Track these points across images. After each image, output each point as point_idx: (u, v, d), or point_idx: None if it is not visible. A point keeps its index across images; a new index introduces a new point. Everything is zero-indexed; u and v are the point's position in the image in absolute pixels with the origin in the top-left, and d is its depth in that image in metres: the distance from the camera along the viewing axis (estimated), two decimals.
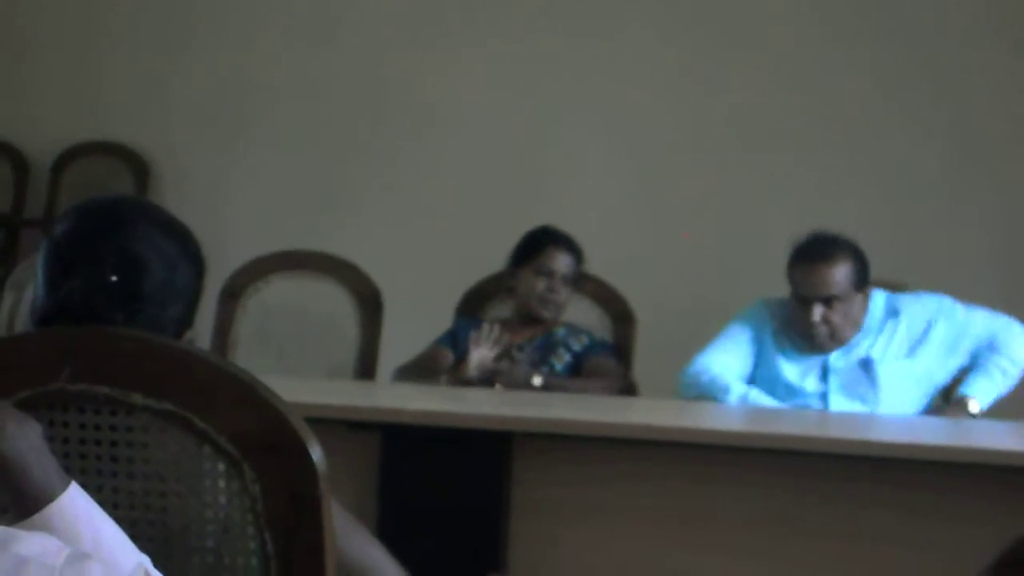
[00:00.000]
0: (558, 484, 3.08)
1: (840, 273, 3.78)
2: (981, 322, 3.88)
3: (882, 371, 3.82)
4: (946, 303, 3.91)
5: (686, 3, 5.33)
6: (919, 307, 3.92)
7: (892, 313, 3.90)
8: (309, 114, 5.66)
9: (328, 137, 5.57)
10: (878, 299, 3.90)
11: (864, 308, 3.85)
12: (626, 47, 5.33)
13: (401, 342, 4.23)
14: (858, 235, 3.92)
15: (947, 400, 3.85)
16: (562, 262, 4.17)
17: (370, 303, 4.28)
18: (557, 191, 5.25)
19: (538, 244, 4.21)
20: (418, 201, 5.41)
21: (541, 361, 4.07)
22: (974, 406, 3.76)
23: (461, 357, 4.06)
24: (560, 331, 4.15)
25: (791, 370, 3.87)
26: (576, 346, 4.12)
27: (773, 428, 3.34)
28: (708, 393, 3.80)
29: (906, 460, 2.98)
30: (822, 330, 3.80)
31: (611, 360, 4.12)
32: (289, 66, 5.68)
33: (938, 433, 3.42)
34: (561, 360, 4.09)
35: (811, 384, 3.85)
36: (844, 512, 2.98)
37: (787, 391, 3.85)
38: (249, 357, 4.23)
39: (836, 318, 3.79)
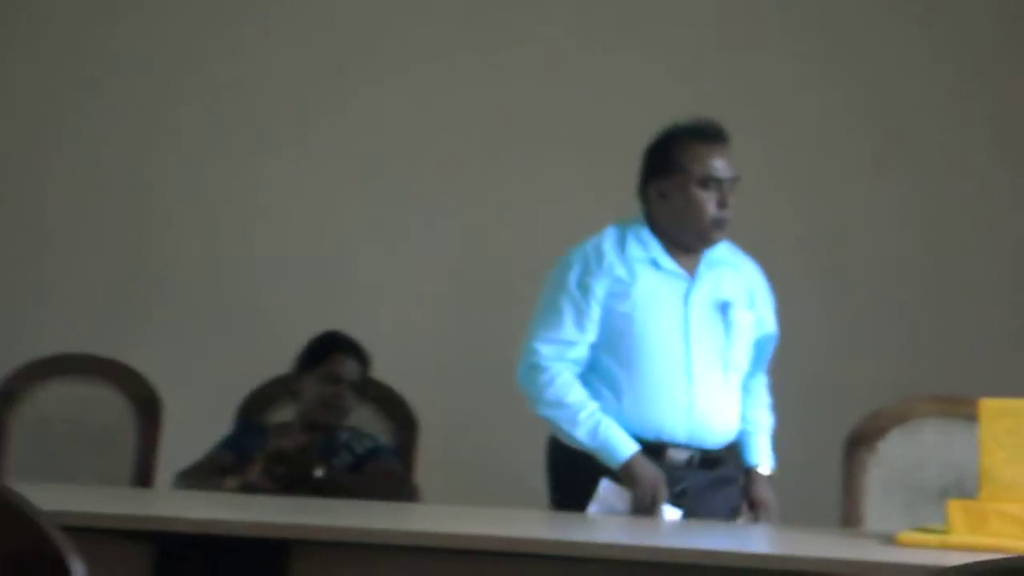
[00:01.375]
0: None
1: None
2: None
3: (735, 318, 3.63)
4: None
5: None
6: (748, 261, 3.74)
7: (729, 255, 3.68)
8: (92, 215, 5.55)
9: (112, 240, 5.47)
10: None
11: None
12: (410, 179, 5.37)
13: (181, 447, 4.16)
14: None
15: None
16: (348, 368, 4.16)
17: (148, 408, 4.21)
18: (345, 295, 5.23)
19: (324, 349, 4.20)
20: (199, 303, 5.33)
21: (323, 461, 4.03)
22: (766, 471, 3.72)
23: (244, 461, 4.01)
24: (343, 435, 4.13)
25: (657, 286, 3.59)
26: (359, 449, 4.10)
27: (566, 534, 3.31)
28: (557, 425, 3.59)
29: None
30: (727, 215, 3.55)
31: (394, 464, 4.10)
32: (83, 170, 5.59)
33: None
34: (343, 463, 4.07)
35: (674, 309, 3.58)
36: None
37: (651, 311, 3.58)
38: (24, 463, 4.12)
39: (732, 204, 3.55)
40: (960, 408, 3.69)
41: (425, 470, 4.20)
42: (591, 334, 3.59)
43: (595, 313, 3.58)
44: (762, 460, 3.71)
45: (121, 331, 5.20)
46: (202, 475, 4.02)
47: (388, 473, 4.06)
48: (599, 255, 3.59)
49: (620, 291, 3.57)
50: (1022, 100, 4.95)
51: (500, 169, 5.21)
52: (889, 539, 3.02)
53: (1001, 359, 4.81)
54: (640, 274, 3.59)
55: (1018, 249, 4.94)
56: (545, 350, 3.58)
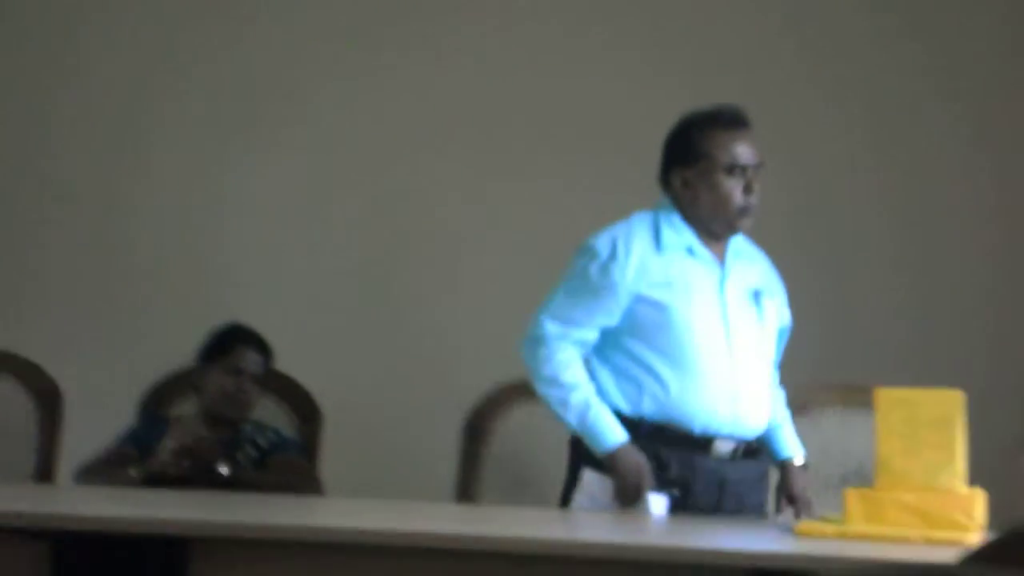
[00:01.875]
0: None
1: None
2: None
3: (765, 307, 3.56)
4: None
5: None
6: (760, 252, 3.66)
7: (745, 245, 3.61)
8: None
9: (8, 230, 5.39)
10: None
11: None
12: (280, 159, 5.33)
13: (84, 441, 4.11)
14: None
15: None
16: (251, 361, 4.13)
17: (48, 401, 4.16)
18: (246, 286, 5.19)
19: (227, 342, 4.16)
20: (99, 295, 5.27)
21: (227, 456, 4.01)
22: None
23: (146, 454, 3.98)
24: (247, 428, 4.10)
25: (695, 274, 3.50)
26: (263, 442, 4.08)
27: (471, 528, 3.30)
28: (548, 404, 3.49)
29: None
30: (753, 202, 3.48)
31: (298, 457, 4.09)
32: None
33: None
34: (247, 457, 4.04)
35: (712, 297, 3.49)
36: None
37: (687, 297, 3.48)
38: None
39: (757, 191, 3.48)
40: (859, 396, 3.70)
41: (330, 463, 4.18)
42: (604, 319, 3.47)
43: (615, 303, 3.46)
44: (795, 452, 3.60)
45: (19, 323, 5.12)
46: (104, 469, 3.98)
47: (292, 466, 4.04)
48: (627, 244, 3.47)
49: (655, 281, 3.47)
50: (1003, 100, 4.96)
51: (405, 158, 5.19)
52: (788, 530, 3.05)
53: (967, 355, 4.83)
54: (677, 262, 3.50)
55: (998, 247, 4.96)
56: (550, 326, 3.48)
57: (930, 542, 2.85)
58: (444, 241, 5.14)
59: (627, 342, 3.48)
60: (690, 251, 3.50)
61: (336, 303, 5.14)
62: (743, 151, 3.47)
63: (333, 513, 3.62)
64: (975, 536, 2.89)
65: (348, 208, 5.21)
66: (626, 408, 3.47)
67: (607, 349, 3.50)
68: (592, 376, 3.49)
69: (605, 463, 3.45)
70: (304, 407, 4.24)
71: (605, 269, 3.45)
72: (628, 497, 3.42)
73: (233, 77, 5.27)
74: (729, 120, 3.49)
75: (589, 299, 3.47)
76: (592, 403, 3.44)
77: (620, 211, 3.57)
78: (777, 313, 3.62)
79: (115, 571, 2.98)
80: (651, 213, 3.54)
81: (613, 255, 3.46)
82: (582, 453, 3.51)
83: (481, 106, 5.18)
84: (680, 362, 3.44)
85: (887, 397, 3.07)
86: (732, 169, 3.46)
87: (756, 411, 3.50)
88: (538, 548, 2.95)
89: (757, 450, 3.54)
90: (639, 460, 3.42)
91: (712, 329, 3.46)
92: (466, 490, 3.99)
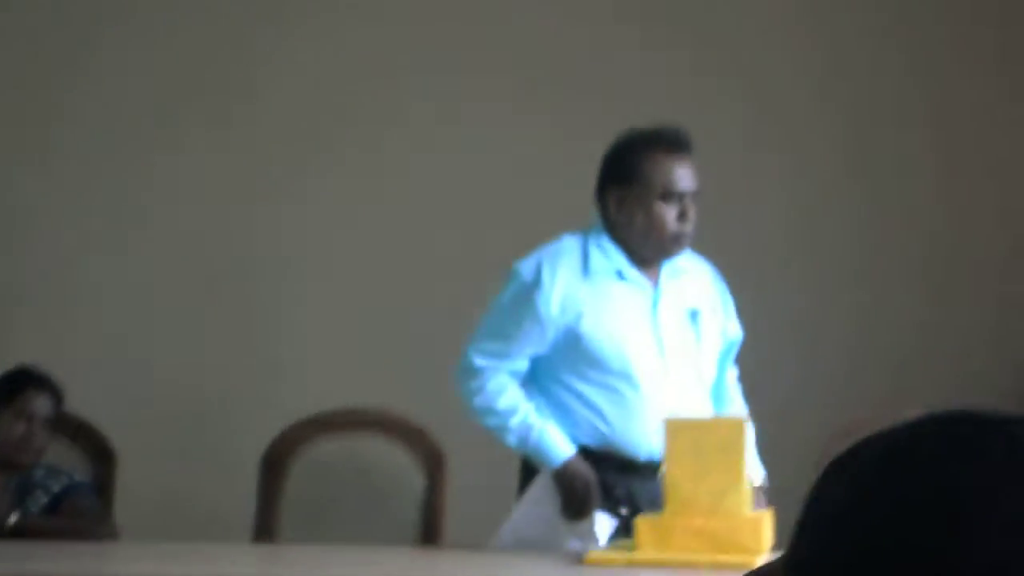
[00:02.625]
0: None
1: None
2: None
3: (703, 327, 3.45)
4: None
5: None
6: (704, 266, 3.56)
7: (688, 262, 3.50)
8: None
9: None
10: None
11: None
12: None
13: None
14: None
15: None
16: (41, 404, 4.04)
17: None
18: (37, 321, 5.07)
19: (14, 386, 4.06)
20: None
21: (17, 503, 3.91)
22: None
23: None
24: (37, 473, 4.01)
25: (625, 299, 3.40)
26: (55, 487, 3.99)
27: (268, 569, 3.25)
28: (494, 433, 3.43)
29: None
30: (688, 229, 3.35)
31: (90, 501, 4.00)
32: None
33: None
34: (38, 503, 3.95)
35: (644, 321, 3.39)
36: None
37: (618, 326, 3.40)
38: None
39: (693, 218, 3.36)
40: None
41: (125, 505, 4.09)
42: (532, 349, 3.39)
43: (539, 332, 3.37)
44: (752, 472, 3.41)
45: None
46: None
47: (84, 511, 3.95)
48: (553, 270, 3.36)
49: (582, 309, 3.36)
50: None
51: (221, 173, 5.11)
52: (579, 559, 3.07)
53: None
54: (605, 287, 3.39)
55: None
56: (478, 359, 3.39)
57: (717, 566, 2.90)
58: (241, 277, 5.06)
59: (560, 372, 3.41)
60: (620, 275, 3.39)
61: (131, 338, 5.04)
62: (681, 176, 3.36)
63: (126, 559, 3.56)
64: (762, 558, 2.95)
65: (148, 245, 5.11)
66: (568, 438, 3.38)
67: (542, 379, 3.43)
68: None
69: (554, 479, 3.36)
70: (97, 448, 4.15)
71: (528, 297, 3.36)
72: (575, 512, 3.35)
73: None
74: (669, 143, 3.38)
75: (513, 328, 3.39)
76: (533, 423, 3.36)
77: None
78: (720, 330, 3.53)
79: None
80: (581, 235, 3.43)
81: (538, 282, 3.36)
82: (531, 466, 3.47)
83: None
84: (615, 391, 3.36)
85: (674, 426, 3.12)
86: (668, 195, 3.34)
87: None
88: None
89: None
90: (587, 475, 3.33)
91: (646, 354, 3.37)
92: (264, 528, 3.94)
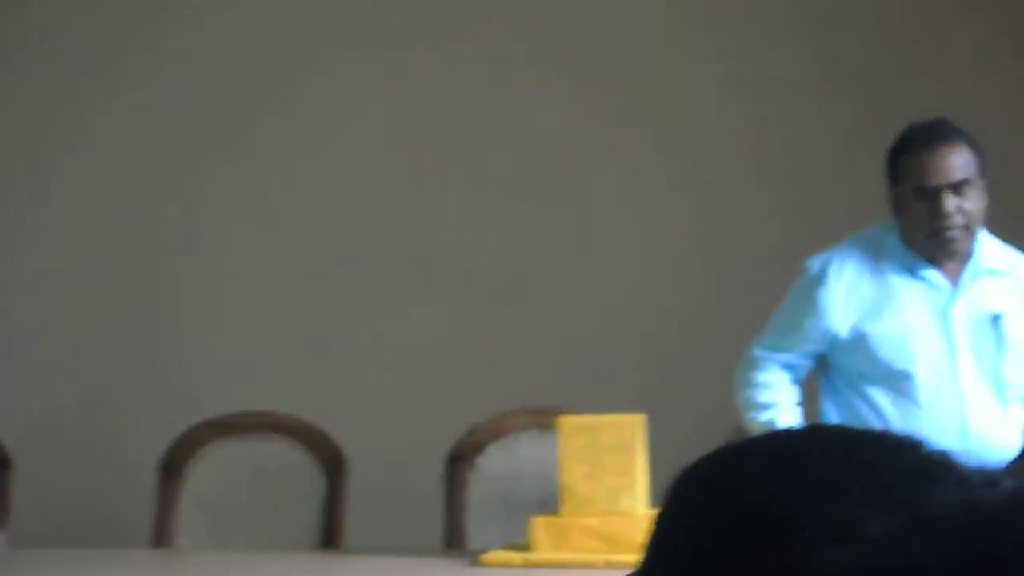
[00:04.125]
0: None
1: (966, 154, 3.22)
2: None
3: (1011, 329, 3.28)
4: None
5: None
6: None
7: (1002, 258, 3.34)
8: None
9: None
10: (987, 239, 3.34)
11: (983, 206, 3.26)
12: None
13: None
14: None
15: None
16: None
17: None
18: None
19: None
20: None
21: None
22: None
23: None
24: None
25: (915, 299, 3.28)
26: None
27: None
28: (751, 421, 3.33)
29: None
30: (956, 220, 3.20)
31: None
32: None
33: None
34: None
35: (934, 323, 3.26)
36: None
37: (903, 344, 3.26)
38: None
39: (969, 205, 3.21)
40: (553, 420, 3.75)
41: (21, 512, 4.04)
42: (812, 346, 3.32)
43: (818, 328, 3.29)
44: None
45: None
46: None
47: None
48: (840, 268, 3.29)
49: (868, 307, 3.28)
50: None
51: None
52: (475, 560, 3.07)
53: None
54: (895, 286, 3.30)
55: None
56: (756, 350, 3.34)
57: (612, 566, 2.91)
58: (136, 278, 5.01)
59: (846, 372, 3.33)
60: (913, 273, 3.30)
61: (28, 347, 4.97)
62: (934, 169, 3.22)
63: (22, 567, 3.52)
64: None
65: (42, 247, 5.06)
66: None
67: (830, 379, 3.36)
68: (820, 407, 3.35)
69: None
70: None
71: (811, 293, 3.30)
72: None
73: None
74: (924, 137, 3.27)
75: (793, 323, 3.33)
76: (776, 422, 3.27)
77: None
78: None
79: None
80: (876, 231, 3.37)
81: (823, 278, 3.30)
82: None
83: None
84: (900, 392, 3.27)
85: (568, 423, 3.12)
86: (920, 191, 3.23)
87: (993, 444, 3.25)
88: None
89: None
90: None
91: (932, 355, 3.26)
92: (162, 533, 3.91)
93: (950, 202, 3.18)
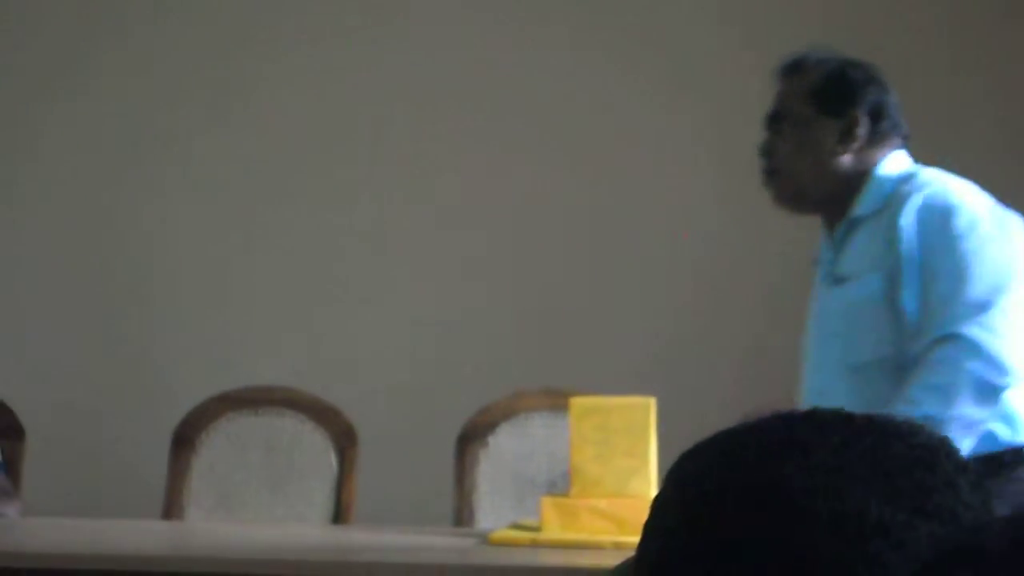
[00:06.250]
0: None
1: (795, 84, 2.68)
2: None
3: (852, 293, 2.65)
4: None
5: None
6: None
7: (895, 188, 2.65)
8: None
9: None
10: (890, 168, 2.66)
11: (810, 150, 2.63)
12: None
13: None
14: None
15: None
16: None
17: None
18: None
19: None
20: None
21: None
22: None
23: None
24: None
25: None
26: None
27: (176, 548, 3.21)
28: None
29: None
30: (762, 162, 2.67)
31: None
32: None
33: None
34: None
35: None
36: None
37: None
38: None
39: (781, 144, 2.65)
40: (566, 402, 3.76)
41: (33, 482, 4.06)
42: None
43: None
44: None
45: None
46: None
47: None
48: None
49: None
50: None
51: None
52: (484, 538, 3.08)
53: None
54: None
55: None
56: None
57: (620, 547, 2.91)
58: (165, 250, 5.02)
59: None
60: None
61: (42, 315, 4.99)
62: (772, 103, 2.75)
63: (32, 534, 3.53)
64: None
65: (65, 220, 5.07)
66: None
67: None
68: None
69: None
70: (6, 424, 4.11)
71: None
72: None
73: None
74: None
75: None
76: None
77: None
78: None
79: None
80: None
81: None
82: None
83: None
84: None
85: (580, 405, 3.13)
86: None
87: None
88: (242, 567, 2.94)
89: None
90: None
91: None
92: (174, 504, 3.92)
93: (765, 140, 2.69)
